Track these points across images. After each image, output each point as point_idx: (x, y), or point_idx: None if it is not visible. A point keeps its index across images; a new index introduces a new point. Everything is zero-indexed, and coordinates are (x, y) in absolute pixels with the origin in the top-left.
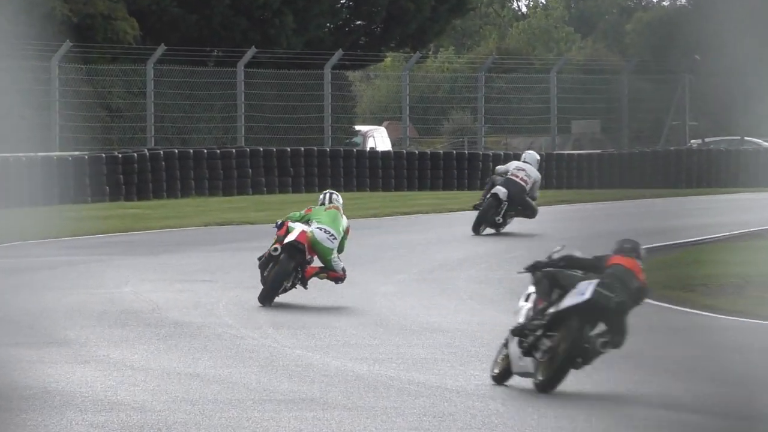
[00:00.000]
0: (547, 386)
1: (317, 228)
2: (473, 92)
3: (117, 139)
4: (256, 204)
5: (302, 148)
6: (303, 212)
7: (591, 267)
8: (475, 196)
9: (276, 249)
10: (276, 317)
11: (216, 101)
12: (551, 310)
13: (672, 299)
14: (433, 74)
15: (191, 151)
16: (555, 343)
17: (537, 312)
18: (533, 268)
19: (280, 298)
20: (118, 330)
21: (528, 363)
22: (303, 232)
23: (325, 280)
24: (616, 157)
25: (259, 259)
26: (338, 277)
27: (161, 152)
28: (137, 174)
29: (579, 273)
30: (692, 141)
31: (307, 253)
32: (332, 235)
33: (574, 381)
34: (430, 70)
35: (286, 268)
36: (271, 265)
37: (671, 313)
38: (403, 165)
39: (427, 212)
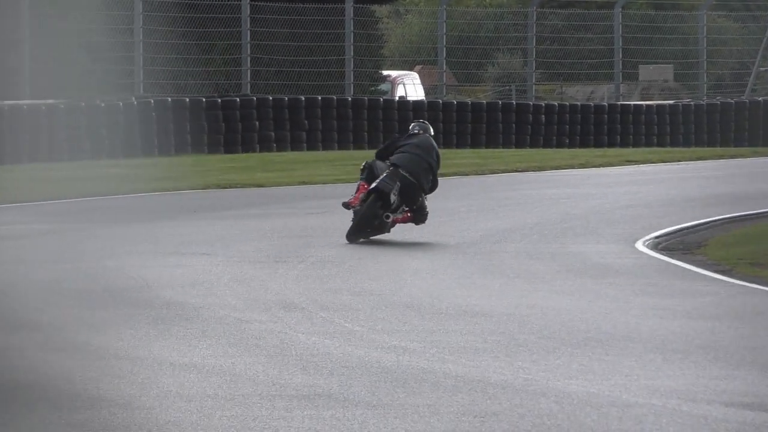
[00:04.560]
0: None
1: None
2: (522, 31)
3: (98, 86)
4: (264, 163)
5: (319, 97)
6: None
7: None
8: (526, 154)
9: None
10: (288, 298)
11: (216, 41)
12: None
13: (761, 279)
14: (474, 9)
15: (187, 99)
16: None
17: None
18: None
19: (288, 272)
20: (101, 312)
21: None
22: None
23: None
24: (692, 108)
25: None
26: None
27: (152, 101)
28: (122, 126)
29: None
30: None
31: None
32: None
33: (641, 375)
34: (471, 5)
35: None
36: None
37: (760, 295)
38: (439, 117)
39: (467, 174)
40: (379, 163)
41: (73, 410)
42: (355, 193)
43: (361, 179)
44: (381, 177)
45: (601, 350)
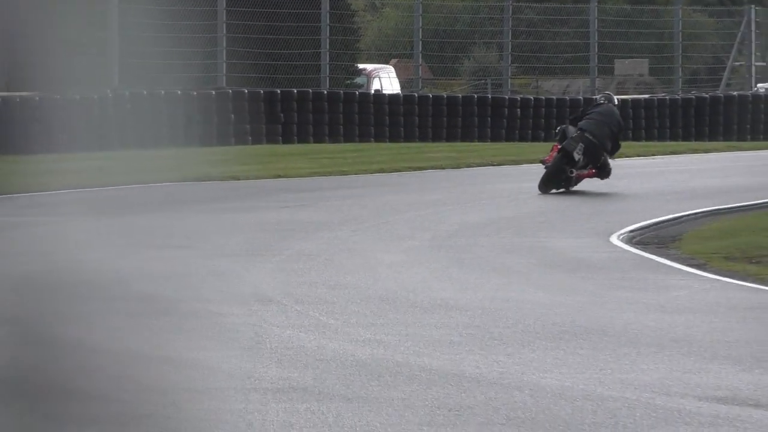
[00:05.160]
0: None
1: None
2: (498, 25)
3: (75, 80)
4: (239, 156)
5: (295, 90)
6: None
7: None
8: (502, 148)
9: None
10: (263, 291)
11: (192, 33)
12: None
13: (734, 273)
14: (450, 3)
15: (162, 92)
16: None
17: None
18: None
19: (263, 266)
20: (76, 305)
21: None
22: None
23: None
24: (667, 103)
25: None
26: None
27: (127, 94)
28: (98, 119)
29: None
30: (759, 85)
31: None
32: None
33: (616, 369)
34: None
35: None
36: None
37: (733, 289)
38: (415, 111)
39: (442, 167)
40: (570, 127)
41: (48, 403)
42: (550, 152)
43: (555, 140)
44: (568, 139)
45: (576, 344)
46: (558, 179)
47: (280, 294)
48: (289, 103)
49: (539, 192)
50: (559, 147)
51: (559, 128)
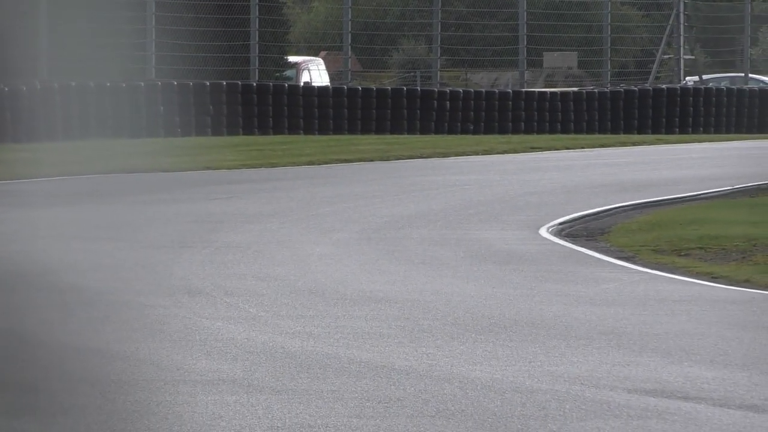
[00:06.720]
0: None
1: None
2: (427, 18)
3: (2, 70)
4: (168, 148)
5: (224, 82)
6: None
7: None
8: (431, 140)
9: None
10: (192, 283)
11: (122, 25)
12: None
13: (663, 265)
14: None
15: (91, 84)
16: None
17: None
18: None
19: (192, 257)
20: (4, 297)
21: None
22: None
23: None
24: (595, 96)
25: None
26: None
27: (55, 85)
28: (25, 111)
29: None
30: (687, 78)
31: None
32: None
33: (545, 361)
34: None
35: None
36: None
37: (662, 282)
38: (344, 103)
39: (372, 159)
40: None
41: None
42: None
43: None
44: None
45: (505, 336)
46: None
47: (210, 286)
48: (219, 95)
49: None
50: None
51: None
